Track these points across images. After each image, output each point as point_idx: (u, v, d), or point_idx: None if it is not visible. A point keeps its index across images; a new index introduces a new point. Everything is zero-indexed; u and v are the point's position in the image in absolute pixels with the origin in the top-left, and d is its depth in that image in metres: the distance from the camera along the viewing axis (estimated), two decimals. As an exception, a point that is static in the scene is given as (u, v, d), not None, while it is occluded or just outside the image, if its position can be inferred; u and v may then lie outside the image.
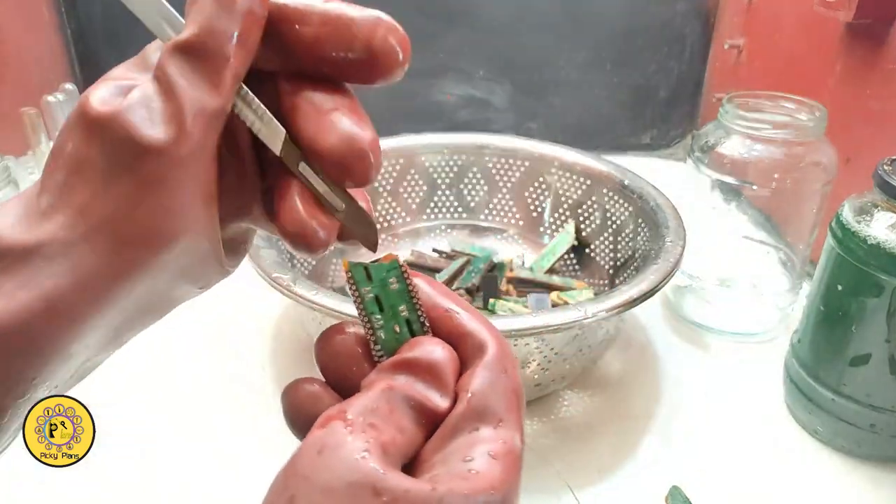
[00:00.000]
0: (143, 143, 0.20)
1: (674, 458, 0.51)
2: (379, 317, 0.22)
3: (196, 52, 0.20)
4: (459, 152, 0.72)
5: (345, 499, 0.18)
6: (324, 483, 0.18)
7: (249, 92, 0.21)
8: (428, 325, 0.23)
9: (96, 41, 0.91)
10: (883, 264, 0.44)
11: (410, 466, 0.20)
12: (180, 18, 0.21)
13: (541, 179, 0.71)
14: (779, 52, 0.79)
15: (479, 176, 0.73)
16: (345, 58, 0.21)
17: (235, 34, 0.20)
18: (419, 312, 0.23)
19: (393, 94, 0.97)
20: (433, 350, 0.21)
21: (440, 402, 0.21)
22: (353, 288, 0.23)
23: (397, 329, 0.22)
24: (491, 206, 0.74)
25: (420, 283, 0.23)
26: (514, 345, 0.47)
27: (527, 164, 0.72)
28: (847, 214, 0.47)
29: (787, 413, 0.54)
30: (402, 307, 0.23)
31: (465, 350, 0.22)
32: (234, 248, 0.25)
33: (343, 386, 0.22)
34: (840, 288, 0.47)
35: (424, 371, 0.21)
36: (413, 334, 0.22)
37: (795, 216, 0.60)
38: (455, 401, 0.21)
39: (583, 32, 0.94)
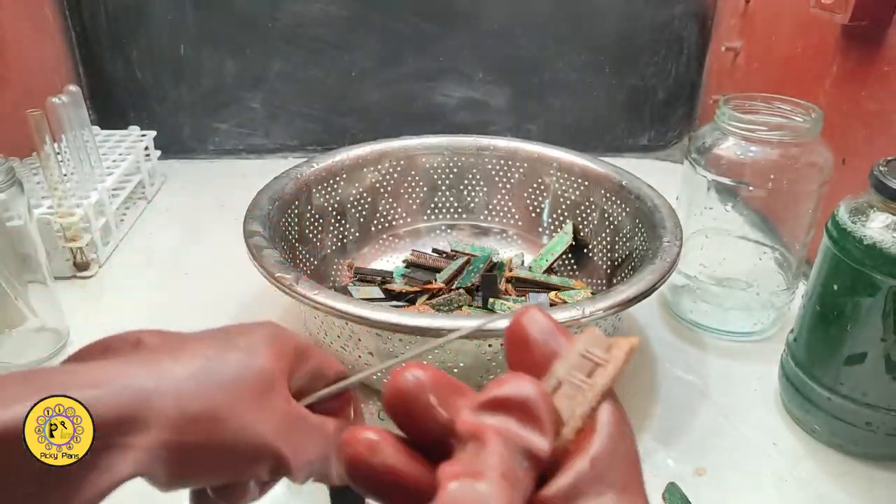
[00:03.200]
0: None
1: (670, 456, 0.51)
2: None
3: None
4: (459, 154, 0.73)
5: None
6: None
7: None
8: None
9: (100, 44, 0.92)
10: (878, 264, 0.44)
11: None
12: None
13: (540, 180, 0.72)
14: (775, 55, 0.79)
15: (478, 177, 0.74)
16: None
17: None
18: None
19: (394, 97, 0.98)
20: (524, 386, 0.20)
21: (543, 445, 0.19)
22: None
23: None
24: (490, 206, 0.75)
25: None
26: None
27: (526, 165, 0.72)
28: (843, 215, 0.47)
29: (784, 412, 0.55)
30: None
31: None
32: None
33: (413, 428, 0.21)
34: (836, 288, 0.48)
35: (521, 410, 0.20)
36: None
37: (791, 217, 0.60)
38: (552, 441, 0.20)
39: (581, 35, 0.94)
